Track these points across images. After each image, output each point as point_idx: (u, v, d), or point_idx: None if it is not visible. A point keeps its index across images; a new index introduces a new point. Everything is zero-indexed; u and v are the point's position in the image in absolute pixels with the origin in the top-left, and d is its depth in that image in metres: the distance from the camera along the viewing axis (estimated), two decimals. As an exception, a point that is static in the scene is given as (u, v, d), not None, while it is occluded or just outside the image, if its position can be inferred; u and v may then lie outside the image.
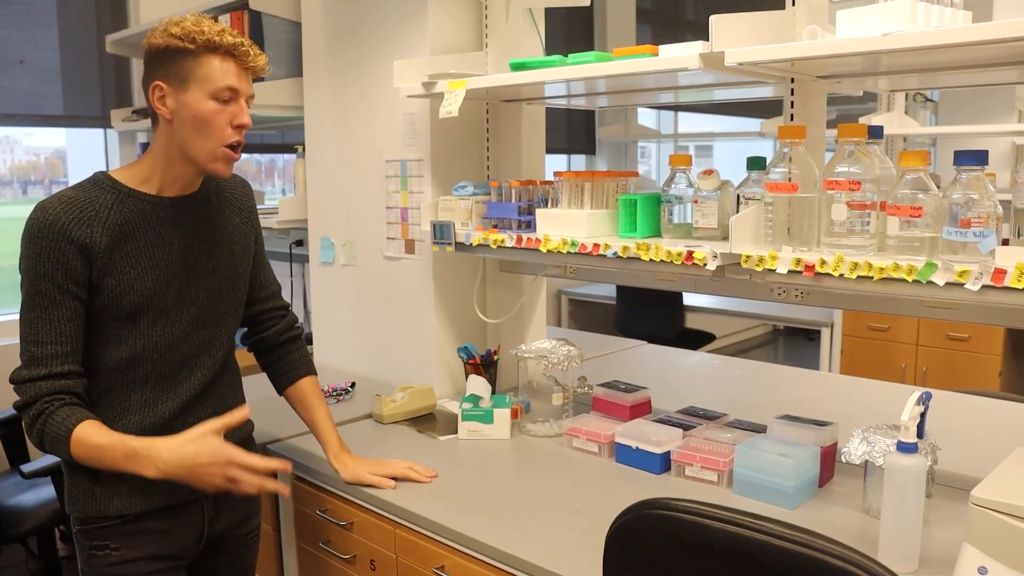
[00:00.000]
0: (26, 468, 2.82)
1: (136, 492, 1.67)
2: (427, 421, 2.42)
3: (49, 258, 1.57)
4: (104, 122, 3.95)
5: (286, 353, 2.03)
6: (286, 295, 3.52)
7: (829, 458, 1.90)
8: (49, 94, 3.81)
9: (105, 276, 1.62)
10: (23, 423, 1.61)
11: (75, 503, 1.69)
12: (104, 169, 1.70)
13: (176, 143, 1.65)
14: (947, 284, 1.43)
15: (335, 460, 1.99)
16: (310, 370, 2.06)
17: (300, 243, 3.36)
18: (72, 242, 1.57)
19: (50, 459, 2.88)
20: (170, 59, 1.61)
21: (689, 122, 7.06)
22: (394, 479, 1.95)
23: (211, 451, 1.57)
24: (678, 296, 5.22)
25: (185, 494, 1.70)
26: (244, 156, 5.14)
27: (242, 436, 1.86)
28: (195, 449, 1.57)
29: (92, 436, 1.57)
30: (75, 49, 3.85)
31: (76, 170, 4.27)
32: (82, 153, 4.19)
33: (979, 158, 1.44)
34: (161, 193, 1.70)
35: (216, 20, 1.65)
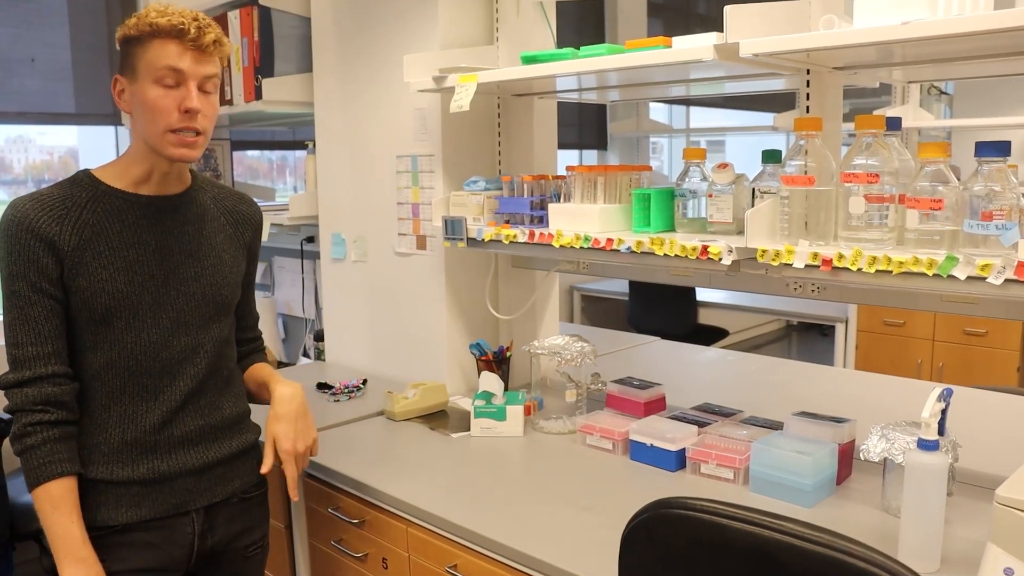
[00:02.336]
0: None
1: (121, 503, 1.62)
2: (439, 418, 2.40)
3: (20, 256, 1.54)
4: (115, 119, 3.94)
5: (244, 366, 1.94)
6: (297, 292, 3.53)
7: (847, 455, 1.88)
8: (60, 92, 3.81)
9: (76, 276, 1.57)
10: (11, 431, 1.57)
11: None
12: (86, 169, 1.67)
13: (139, 135, 1.61)
14: (968, 278, 1.41)
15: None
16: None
17: (311, 239, 3.35)
18: (41, 239, 1.54)
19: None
20: (125, 51, 1.57)
21: (701, 117, 7.02)
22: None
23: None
24: (691, 292, 5.18)
25: (174, 506, 1.67)
26: (255, 154, 5.15)
27: (243, 445, 1.80)
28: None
29: (55, 499, 1.54)
30: (85, 47, 3.84)
31: (88, 166, 4.26)
32: (94, 151, 4.18)
33: (1001, 149, 1.41)
34: (138, 190, 1.64)
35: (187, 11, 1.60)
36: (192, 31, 1.53)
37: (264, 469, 1.75)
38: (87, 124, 4.03)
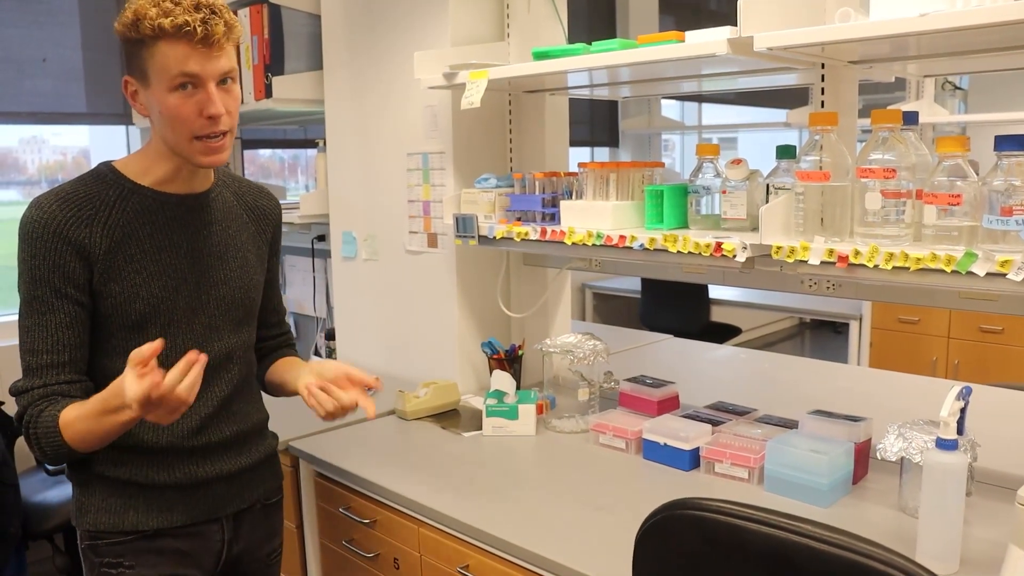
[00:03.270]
0: (51, 465, 2.82)
1: (152, 507, 1.58)
2: (451, 417, 2.39)
3: (45, 260, 1.45)
4: (126, 119, 3.94)
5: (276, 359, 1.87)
6: (308, 290, 3.53)
7: (863, 454, 1.86)
8: (71, 92, 3.81)
9: (108, 281, 1.49)
10: (25, 438, 1.49)
11: (85, 516, 1.59)
12: (108, 162, 1.57)
13: (160, 139, 1.52)
14: (988, 275, 1.38)
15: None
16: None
17: (322, 238, 3.34)
18: (69, 243, 1.45)
19: (74, 456, 2.88)
20: (130, 51, 1.46)
21: (713, 113, 6.98)
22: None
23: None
24: (703, 289, 5.16)
25: (205, 512, 1.63)
26: (266, 153, 5.15)
27: (268, 451, 1.77)
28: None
29: (75, 410, 1.43)
30: (96, 46, 3.84)
31: (99, 167, 4.27)
32: (106, 150, 4.18)
33: (1022, 143, 1.38)
34: (166, 188, 1.56)
35: None
36: (199, 29, 1.40)
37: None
38: (98, 124, 4.04)
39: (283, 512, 1.86)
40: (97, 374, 1.54)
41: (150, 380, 1.30)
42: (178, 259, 1.57)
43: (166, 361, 1.46)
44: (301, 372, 1.69)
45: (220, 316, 1.63)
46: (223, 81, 1.48)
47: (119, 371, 1.40)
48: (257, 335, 1.80)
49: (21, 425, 1.49)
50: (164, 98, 1.44)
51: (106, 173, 1.54)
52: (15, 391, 1.50)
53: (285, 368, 1.82)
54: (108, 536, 1.58)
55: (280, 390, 1.82)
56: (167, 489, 1.59)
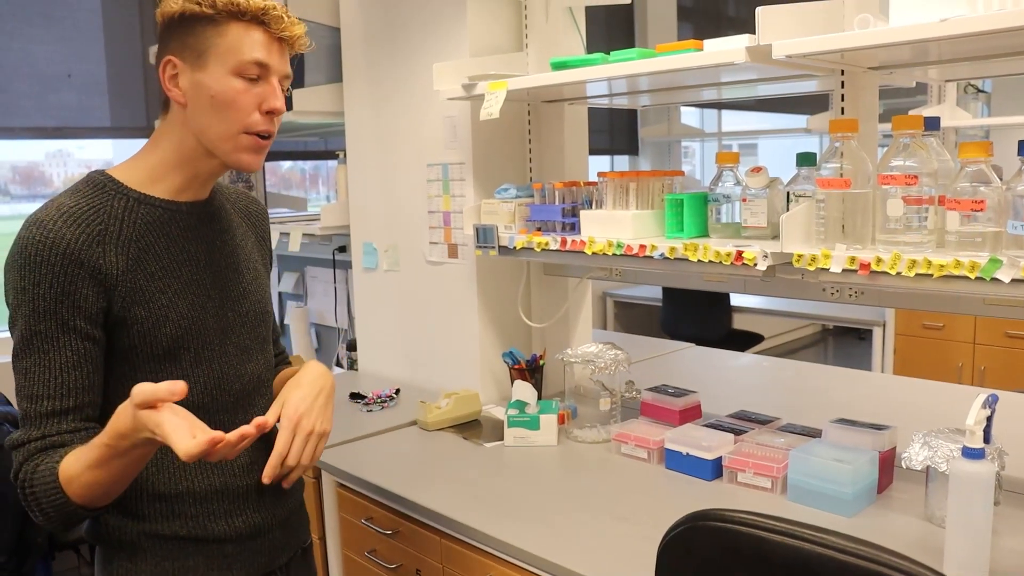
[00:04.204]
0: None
1: (213, 567, 1.39)
2: (472, 428, 2.39)
3: (52, 288, 1.24)
4: (148, 132, 3.98)
5: None
6: (329, 301, 3.54)
7: (888, 463, 1.84)
8: (96, 106, 3.86)
9: (132, 305, 1.30)
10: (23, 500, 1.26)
11: None
12: (101, 170, 1.38)
13: (192, 132, 1.34)
14: (1013, 281, 1.37)
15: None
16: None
17: (343, 249, 3.35)
18: (82, 267, 1.25)
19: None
20: (186, 28, 1.30)
21: (732, 120, 6.97)
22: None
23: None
24: (725, 297, 5.14)
25: (263, 565, 1.47)
26: (287, 164, 5.17)
27: (302, 486, 1.62)
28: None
29: (77, 458, 1.22)
30: (120, 61, 3.88)
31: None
32: (129, 164, 4.24)
33: (1046, 148, 1.37)
34: (175, 197, 1.38)
35: None
36: (284, 19, 1.32)
37: (257, 428, 1.24)
38: (122, 137, 4.08)
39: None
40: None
41: (208, 441, 1.11)
42: (199, 273, 1.40)
43: (203, 388, 1.38)
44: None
45: (247, 335, 1.48)
46: (282, 85, 1.38)
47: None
48: None
49: (17, 486, 1.25)
50: (225, 81, 1.30)
51: (104, 182, 1.34)
52: (11, 445, 1.27)
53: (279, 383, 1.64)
54: None
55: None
56: (227, 543, 1.41)
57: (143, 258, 1.33)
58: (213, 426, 1.19)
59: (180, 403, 1.22)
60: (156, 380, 1.19)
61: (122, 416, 1.17)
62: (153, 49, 3.70)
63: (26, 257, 1.24)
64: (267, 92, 1.33)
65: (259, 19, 1.31)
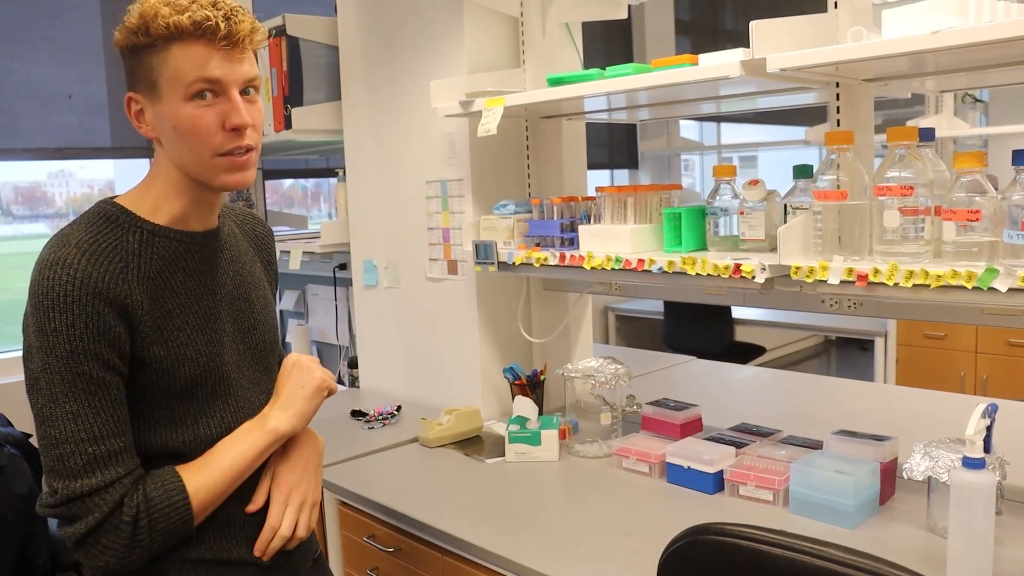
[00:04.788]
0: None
1: None
2: (474, 444, 2.38)
3: (88, 329, 1.20)
4: (149, 152, 4.00)
5: None
6: (330, 319, 3.54)
7: (890, 474, 1.83)
8: (97, 127, 3.87)
9: (151, 345, 1.27)
10: (103, 547, 1.22)
11: None
12: (109, 199, 1.36)
13: (173, 163, 1.31)
14: (1010, 290, 1.37)
15: None
16: None
17: (343, 266, 3.36)
18: (111, 304, 1.22)
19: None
20: (136, 61, 1.26)
21: (732, 133, 6.98)
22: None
23: (303, 371, 1.43)
24: (726, 309, 5.14)
25: None
26: (289, 182, 5.18)
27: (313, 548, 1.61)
28: (296, 382, 1.42)
29: (198, 471, 1.30)
30: (121, 82, 3.89)
31: (124, 201, 4.33)
32: (130, 183, 4.25)
33: (1039, 157, 1.37)
34: (184, 226, 1.36)
35: None
36: (221, 25, 1.22)
37: (250, 508, 1.40)
38: (123, 158, 4.10)
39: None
40: (151, 446, 1.31)
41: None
42: (215, 307, 1.38)
43: (220, 423, 1.37)
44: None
45: (258, 367, 1.46)
46: (245, 91, 1.29)
47: (170, 443, 1.31)
48: None
49: (108, 526, 1.22)
50: (179, 110, 1.25)
51: (115, 215, 1.31)
52: (75, 495, 1.21)
53: None
54: None
55: None
56: (249, 565, 1.40)
57: (161, 295, 1.30)
58: None
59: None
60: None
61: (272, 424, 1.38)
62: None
63: (54, 298, 1.20)
64: (226, 109, 1.26)
65: (196, 34, 1.23)
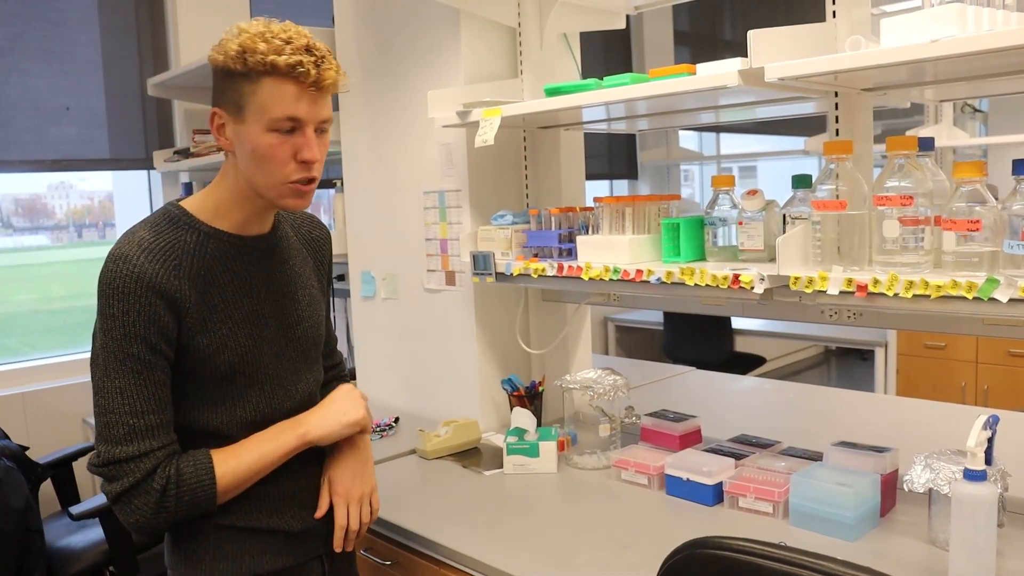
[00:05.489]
0: (75, 510, 2.82)
1: (267, 551, 1.56)
2: (472, 456, 2.37)
3: (140, 316, 1.37)
4: (147, 164, 4.00)
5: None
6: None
7: (890, 486, 1.82)
8: (95, 139, 3.88)
9: (196, 334, 1.44)
10: (134, 507, 1.40)
11: (199, 563, 1.53)
12: (174, 200, 1.53)
13: (243, 176, 1.46)
14: (1011, 300, 1.36)
15: None
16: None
17: (341, 278, 3.35)
18: (162, 297, 1.39)
19: (99, 500, 2.88)
20: (227, 82, 1.40)
21: (732, 143, 6.98)
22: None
23: (353, 404, 1.61)
24: (726, 320, 5.13)
25: (310, 551, 1.64)
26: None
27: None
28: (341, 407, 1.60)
29: (227, 454, 1.46)
30: (119, 93, 3.91)
31: (123, 212, 4.33)
32: (128, 195, 4.24)
33: (1039, 166, 1.37)
34: (241, 232, 1.52)
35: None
36: (312, 72, 1.37)
37: (318, 514, 1.63)
38: (121, 169, 4.10)
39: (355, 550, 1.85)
40: (191, 423, 1.49)
41: None
42: (258, 304, 1.53)
43: (256, 407, 1.54)
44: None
45: (299, 357, 1.62)
46: (319, 129, 1.45)
47: (210, 422, 1.49)
48: None
49: (139, 491, 1.40)
50: (260, 137, 1.39)
51: (178, 216, 1.48)
52: (117, 459, 1.39)
53: None
54: None
55: None
56: (278, 533, 1.58)
57: (208, 291, 1.46)
58: None
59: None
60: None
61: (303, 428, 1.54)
62: (152, 81, 3.74)
63: (114, 288, 1.37)
64: (300, 143, 1.41)
65: (289, 76, 1.36)
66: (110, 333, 1.38)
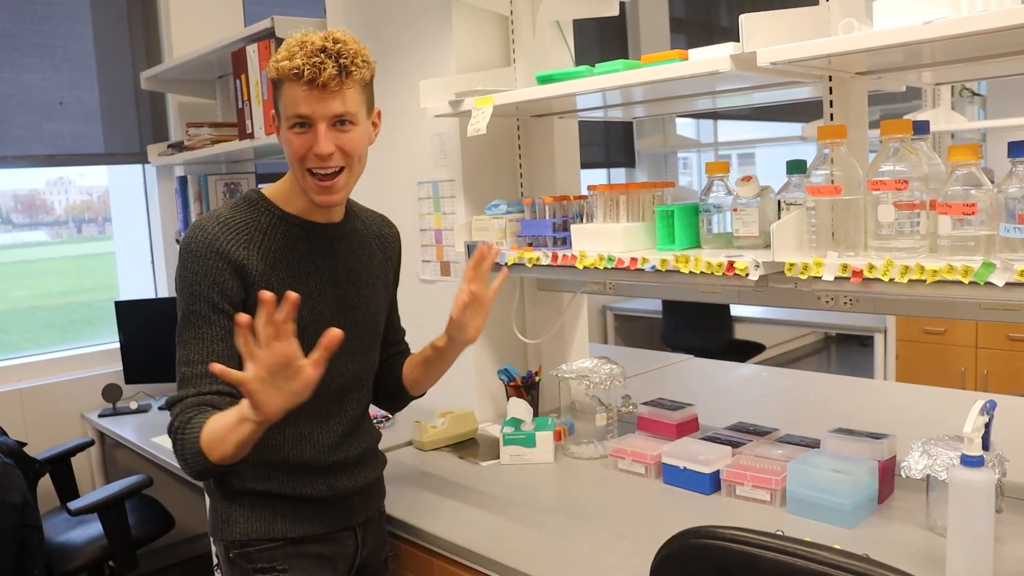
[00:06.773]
0: (74, 505, 2.82)
1: (300, 517, 1.68)
2: (468, 446, 2.36)
3: (205, 277, 1.54)
4: (142, 158, 3.98)
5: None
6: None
7: (888, 473, 1.81)
8: (89, 133, 3.86)
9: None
10: (175, 444, 1.50)
11: (234, 526, 1.66)
12: (256, 188, 1.69)
13: None
14: (1007, 284, 1.35)
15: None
16: None
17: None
18: (228, 262, 1.55)
19: (99, 496, 2.88)
20: (275, 89, 1.59)
21: (729, 130, 6.96)
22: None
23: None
24: (725, 307, 5.11)
25: (342, 521, 1.74)
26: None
27: (383, 466, 1.88)
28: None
29: (215, 421, 1.45)
30: (112, 88, 3.89)
31: (118, 207, 4.31)
32: (124, 189, 4.22)
33: (1036, 149, 1.35)
34: (309, 217, 1.67)
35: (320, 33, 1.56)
36: (306, 73, 1.49)
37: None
38: (115, 163, 4.08)
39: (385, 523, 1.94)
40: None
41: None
42: (322, 284, 1.67)
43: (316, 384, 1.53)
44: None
45: (356, 339, 1.72)
46: (341, 123, 1.55)
47: None
48: (383, 352, 1.92)
49: (171, 436, 1.52)
50: (286, 134, 1.57)
51: (257, 200, 1.65)
52: (169, 403, 1.54)
53: (415, 355, 1.95)
54: (260, 543, 1.66)
55: (422, 371, 1.92)
56: (312, 501, 1.69)
57: (277, 266, 1.61)
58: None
59: None
60: None
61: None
62: (145, 75, 3.72)
63: (189, 252, 1.56)
64: (311, 139, 1.55)
65: (293, 79, 1.51)
66: (183, 292, 1.56)
